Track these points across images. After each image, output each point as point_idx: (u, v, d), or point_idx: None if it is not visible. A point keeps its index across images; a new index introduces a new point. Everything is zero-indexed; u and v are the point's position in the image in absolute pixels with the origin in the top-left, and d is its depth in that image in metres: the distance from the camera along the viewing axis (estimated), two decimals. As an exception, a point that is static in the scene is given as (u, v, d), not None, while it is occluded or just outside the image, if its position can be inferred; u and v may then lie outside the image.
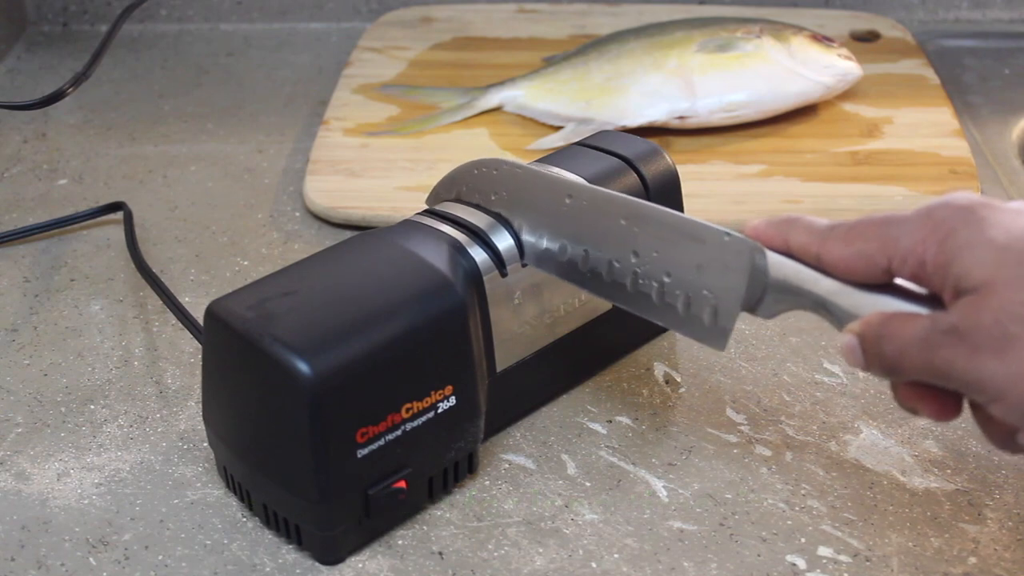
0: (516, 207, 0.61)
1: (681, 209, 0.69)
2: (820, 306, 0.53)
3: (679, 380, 0.69)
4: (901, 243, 0.49)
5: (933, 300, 0.50)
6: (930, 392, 0.50)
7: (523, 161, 0.63)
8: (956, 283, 0.48)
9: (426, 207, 0.65)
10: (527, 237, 0.61)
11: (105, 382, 0.69)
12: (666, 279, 0.57)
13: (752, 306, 0.55)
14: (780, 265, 0.54)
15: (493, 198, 0.62)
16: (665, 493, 0.61)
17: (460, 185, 0.64)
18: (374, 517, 0.57)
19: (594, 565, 0.57)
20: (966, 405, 0.51)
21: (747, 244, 0.54)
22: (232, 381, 0.58)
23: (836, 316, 0.52)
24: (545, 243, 0.61)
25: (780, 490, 0.61)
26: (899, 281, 0.51)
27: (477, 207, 0.63)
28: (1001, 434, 0.50)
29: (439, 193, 0.65)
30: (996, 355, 0.46)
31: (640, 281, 0.58)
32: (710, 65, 0.89)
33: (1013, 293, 0.46)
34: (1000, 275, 0.46)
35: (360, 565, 0.58)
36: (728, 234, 0.54)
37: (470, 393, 0.59)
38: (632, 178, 0.66)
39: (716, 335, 0.56)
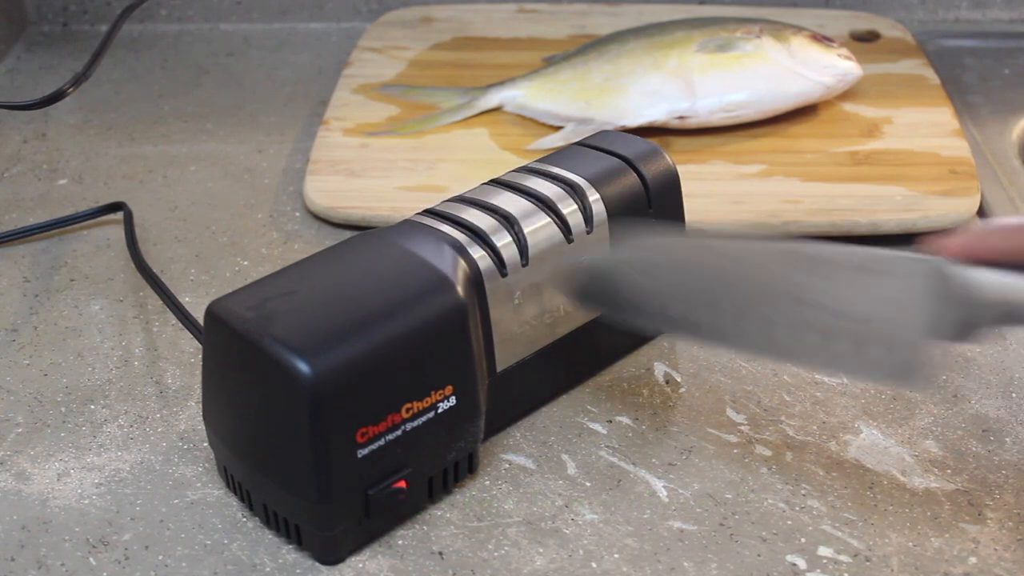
0: (674, 299, 0.57)
1: (682, 209, 0.69)
2: None
3: (679, 380, 0.69)
4: None
5: None
6: None
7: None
8: None
9: (427, 207, 0.65)
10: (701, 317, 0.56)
11: (105, 382, 0.69)
12: (860, 327, 0.51)
13: (957, 333, 0.49)
14: (984, 280, 0.48)
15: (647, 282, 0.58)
16: (665, 493, 0.61)
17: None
18: (374, 517, 0.57)
19: (594, 565, 0.57)
20: None
21: (933, 263, 0.49)
22: (232, 381, 0.58)
23: None
24: (708, 318, 0.56)
25: (780, 490, 0.61)
26: None
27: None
28: None
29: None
30: None
31: (832, 336, 0.52)
32: (710, 65, 0.89)
33: None
34: None
35: (360, 565, 0.58)
36: (912, 258, 0.50)
37: (470, 393, 0.59)
38: (632, 178, 0.66)
39: (915, 373, 0.50)
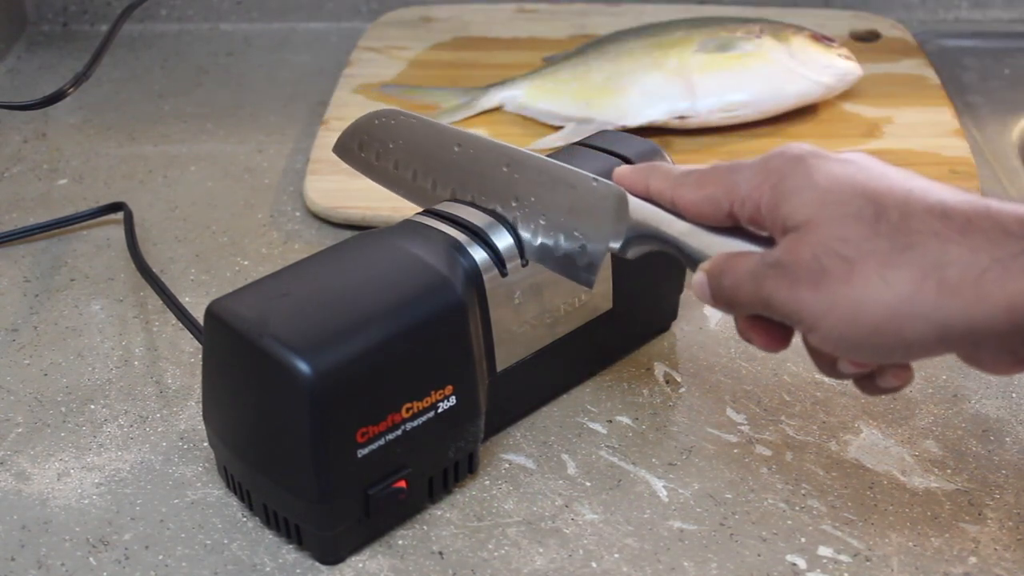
0: (411, 155, 0.66)
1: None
2: (674, 246, 0.57)
3: (679, 380, 0.69)
4: (741, 188, 0.53)
5: (770, 242, 0.54)
6: (762, 324, 0.54)
7: (420, 113, 0.67)
8: (784, 223, 0.51)
9: (427, 207, 0.65)
10: (426, 184, 0.65)
11: (105, 382, 0.69)
12: (542, 221, 0.61)
13: (618, 246, 0.58)
14: (640, 208, 0.57)
15: (391, 146, 0.66)
16: (665, 493, 0.61)
17: (362, 134, 0.67)
18: (374, 517, 0.57)
19: (594, 565, 0.57)
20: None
21: (613, 189, 0.58)
22: (232, 381, 0.58)
23: (688, 255, 0.56)
24: (437, 189, 0.65)
25: (780, 490, 0.61)
26: (743, 224, 0.55)
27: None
28: (825, 363, 0.54)
29: (344, 142, 0.69)
30: (811, 287, 0.50)
31: (519, 224, 0.61)
32: (710, 65, 0.89)
33: (829, 230, 0.50)
34: (819, 214, 0.50)
35: (360, 565, 0.58)
36: (596, 180, 0.59)
37: (470, 393, 0.59)
38: (632, 178, 0.66)
39: (585, 272, 0.60)
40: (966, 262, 0.47)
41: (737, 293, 0.53)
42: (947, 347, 0.49)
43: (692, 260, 0.56)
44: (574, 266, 0.60)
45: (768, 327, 0.54)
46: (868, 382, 0.54)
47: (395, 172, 0.66)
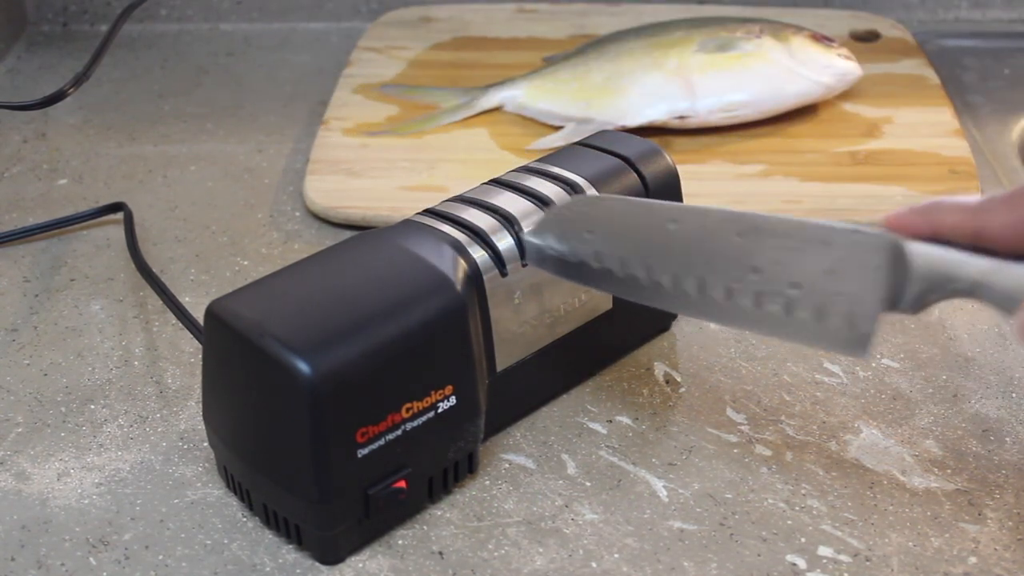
0: (615, 243, 0.58)
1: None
2: (976, 289, 0.49)
3: (679, 380, 0.69)
4: None
5: None
6: None
7: (611, 195, 0.59)
8: None
9: (427, 207, 0.65)
10: (638, 273, 0.57)
11: (105, 382, 0.69)
12: (794, 292, 0.53)
13: (895, 303, 0.51)
14: (924, 254, 0.50)
15: (587, 236, 0.58)
16: (665, 493, 0.61)
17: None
18: (374, 517, 0.57)
19: (594, 565, 0.57)
20: None
21: (883, 238, 0.51)
22: (232, 381, 0.58)
23: (997, 296, 0.49)
24: (654, 275, 0.57)
25: (780, 490, 0.61)
26: None
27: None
28: None
29: None
30: None
31: (764, 299, 0.54)
32: (710, 65, 0.89)
33: None
34: None
35: (360, 565, 0.58)
36: (857, 231, 0.51)
37: (470, 393, 0.59)
38: (632, 178, 0.66)
39: (856, 342, 0.52)
40: None
41: None
42: None
43: (1004, 302, 0.48)
44: (838, 337, 0.52)
45: None
46: None
47: (597, 265, 0.58)
